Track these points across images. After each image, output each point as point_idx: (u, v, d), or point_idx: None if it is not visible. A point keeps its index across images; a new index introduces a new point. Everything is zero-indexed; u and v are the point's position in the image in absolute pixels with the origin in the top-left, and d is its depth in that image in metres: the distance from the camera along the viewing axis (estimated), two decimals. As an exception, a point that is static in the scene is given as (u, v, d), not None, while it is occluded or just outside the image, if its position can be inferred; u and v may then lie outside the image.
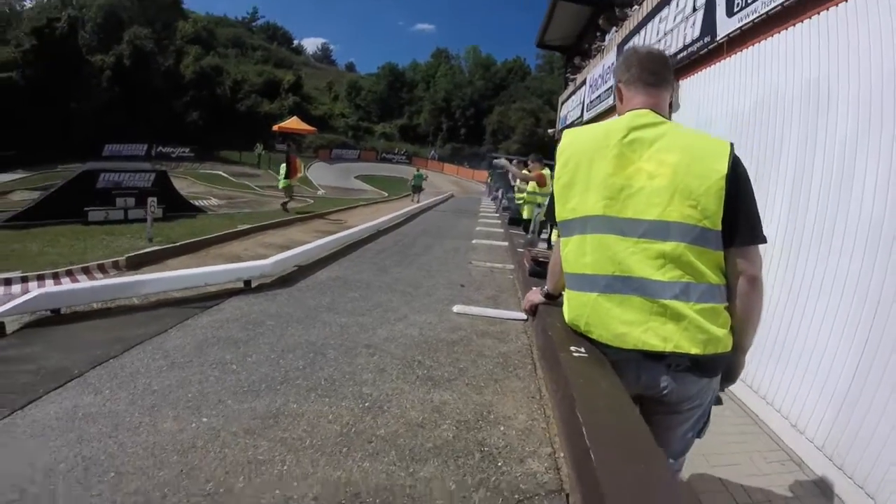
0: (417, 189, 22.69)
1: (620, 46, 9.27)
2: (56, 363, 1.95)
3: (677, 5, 6.59)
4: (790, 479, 3.04)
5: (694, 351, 1.57)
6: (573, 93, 14.34)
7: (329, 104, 56.09)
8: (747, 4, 4.81)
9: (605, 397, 1.45)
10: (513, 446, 1.43)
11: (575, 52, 15.04)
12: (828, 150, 3.51)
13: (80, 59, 37.86)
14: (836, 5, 3.59)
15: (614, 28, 10.48)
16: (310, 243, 4.64)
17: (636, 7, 9.14)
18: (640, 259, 1.60)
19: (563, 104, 15.78)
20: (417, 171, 27.15)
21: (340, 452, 1.34)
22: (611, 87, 9.93)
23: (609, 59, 10.09)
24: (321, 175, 35.17)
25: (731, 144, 1.62)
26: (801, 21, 3.99)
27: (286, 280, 3.58)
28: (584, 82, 12.76)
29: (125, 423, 1.51)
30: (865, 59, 3.23)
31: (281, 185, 17.22)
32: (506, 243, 5.73)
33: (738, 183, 1.56)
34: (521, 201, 9.97)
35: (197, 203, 19.20)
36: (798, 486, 3.02)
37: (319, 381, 1.81)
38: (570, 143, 1.77)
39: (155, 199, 12.77)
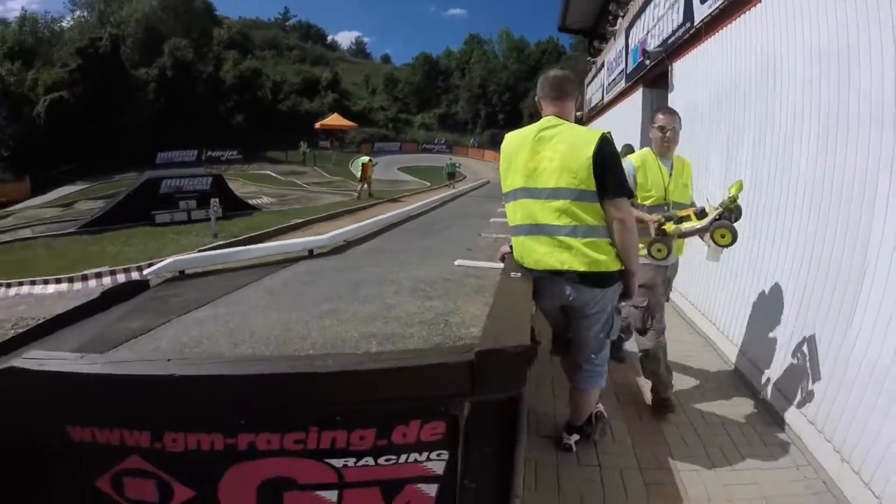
0: (451, 176, 24.17)
1: (627, 31, 9.80)
2: (194, 297, 3.05)
3: None
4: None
5: (581, 269, 2.59)
6: (594, 76, 14.90)
7: (367, 98, 57.36)
8: None
9: (515, 296, 2.47)
10: (465, 323, 2.32)
11: (594, 35, 15.46)
12: (779, 124, 4.05)
13: (125, 73, 40.59)
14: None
15: (621, 13, 11.04)
16: (354, 225, 5.80)
17: None
18: (545, 213, 2.63)
19: (587, 86, 16.37)
20: (450, 159, 28.65)
21: (369, 323, 2.41)
22: (622, 70, 10.61)
23: (620, 42, 10.64)
24: (365, 170, 36.60)
25: (603, 134, 2.61)
26: (754, 6, 4.55)
27: (337, 249, 4.71)
28: (602, 65, 13.36)
29: (250, 317, 2.62)
30: (802, 40, 3.71)
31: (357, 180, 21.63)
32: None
33: (602, 158, 2.53)
34: None
35: (251, 202, 20.86)
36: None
37: (358, 296, 2.88)
38: (506, 142, 2.84)
39: (217, 199, 14.31)
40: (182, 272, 3.64)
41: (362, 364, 1.76)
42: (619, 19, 11.10)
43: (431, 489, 1.92)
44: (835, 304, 3.07)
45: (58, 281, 9.76)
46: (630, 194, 2.74)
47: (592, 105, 15.09)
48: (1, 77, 37.85)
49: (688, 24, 6.32)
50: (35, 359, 1.90)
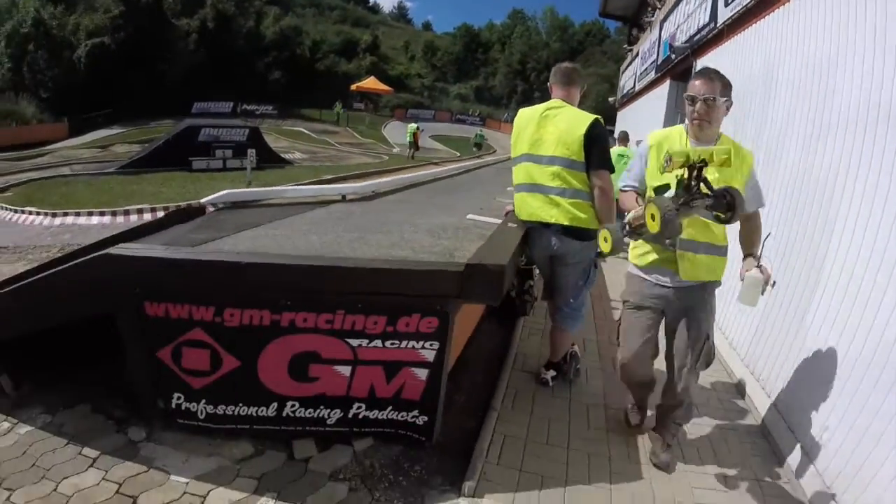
0: (479, 146, 25.05)
1: (662, 23, 9.93)
2: (245, 221, 3.62)
3: None
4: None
5: (564, 222, 3.13)
6: (629, 64, 15.01)
7: (405, 64, 57.16)
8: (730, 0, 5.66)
9: (504, 237, 3.00)
10: (465, 257, 2.83)
11: (634, 23, 15.43)
12: (771, 123, 4.37)
13: (167, 23, 40.47)
14: (783, 5, 4.43)
15: (659, 4, 11.12)
16: (383, 178, 6.36)
17: None
18: (542, 175, 3.18)
19: (622, 74, 16.49)
20: (480, 131, 29.28)
21: (389, 248, 2.91)
22: (654, 61, 10.78)
23: (654, 33, 10.70)
24: (396, 134, 36.62)
25: (595, 117, 3.13)
26: (765, 17, 4.82)
27: (366, 198, 5.27)
28: (637, 54, 13.49)
29: (293, 237, 3.13)
30: (796, 50, 4.07)
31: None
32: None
33: (591, 137, 3.06)
34: None
35: (284, 156, 21.52)
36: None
37: (382, 231, 3.44)
38: (519, 116, 3.39)
39: (254, 150, 14.92)
40: (234, 203, 4.23)
41: (380, 264, 2.32)
42: (657, 10, 11.16)
43: (423, 373, 2.50)
44: (796, 295, 3.35)
45: (101, 213, 10.35)
46: (611, 169, 3.20)
47: (625, 92, 15.23)
48: (43, 20, 38.02)
49: (712, 24, 6.51)
50: (127, 247, 2.50)
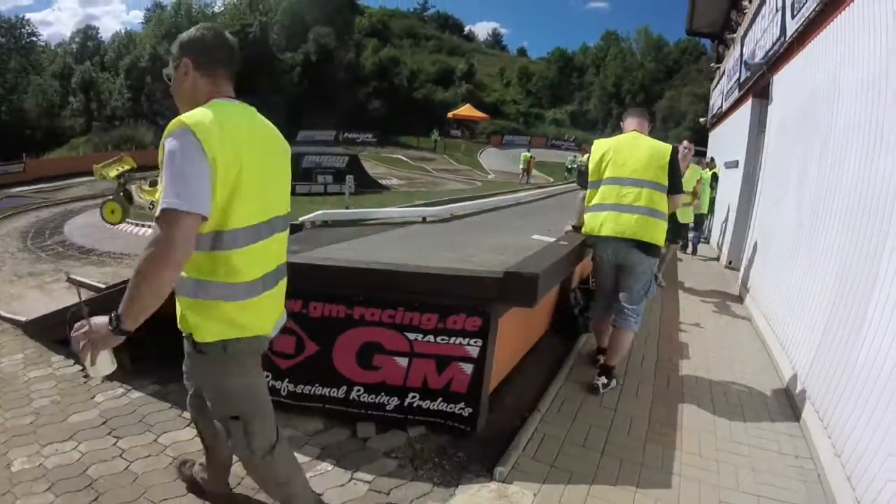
0: (570, 171, 25.92)
1: (742, 39, 9.73)
2: (335, 237, 4.21)
3: (768, 4, 7.28)
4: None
5: (645, 238, 3.62)
6: (717, 82, 14.69)
7: (501, 91, 58.00)
8: (798, 10, 5.56)
9: (549, 251, 3.37)
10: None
11: (720, 40, 15.05)
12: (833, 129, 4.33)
13: (272, 57, 43.80)
14: (843, 11, 4.34)
15: (741, 20, 10.85)
16: (462, 203, 6.84)
17: (747, 3, 9.63)
18: (628, 196, 3.70)
19: (712, 92, 16.13)
20: (574, 156, 29.88)
21: (454, 262, 3.41)
22: (737, 79, 10.48)
23: (737, 50, 10.43)
24: (492, 161, 37.26)
25: (673, 146, 3.70)
26: (828, 25, 4.74)
27: (445, 220, 5.78)
28: (724, 72, 13.20)
29: (372, 251, 3.71)
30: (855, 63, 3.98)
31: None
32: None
33: (672, 164, 3.57)
34: None
35: (381, 182, 22.62)
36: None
37: (451, 248, 3.92)
38: (598, 146, 3.93)
39: (352, 176, 15.93)
40: (326, 222, 4.85)
41: (435, 270, 2.77)
42: (739, 26, 10.92)
43: (468, 368, 2.90)
44: (853, 310, 3.26)
45: None
46: (681, 191, 3.85)
47: (714, 112, 14.89)
48: (159, 56, 41.91)
49: (782, 38, 6.41)
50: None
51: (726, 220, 9.84)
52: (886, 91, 3.29)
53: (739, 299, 6.84)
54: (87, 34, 51.27)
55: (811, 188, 4.68)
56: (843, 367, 3.18)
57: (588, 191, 3.92)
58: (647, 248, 3.68)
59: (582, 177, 4.06)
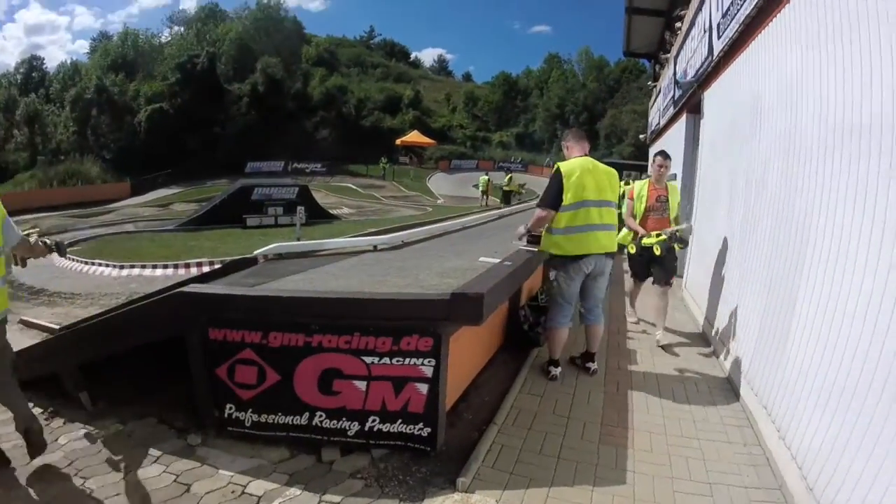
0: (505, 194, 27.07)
1: (675, 58, 10.22)
2: (289, 269, 4.30)
3: (697, 26, 7.69)
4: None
5: (613, 249, 4.25)
6: (654, 100, 15.42)
7: (448, 116, 58.54)
8: (723, 31, 5.90)
9: (492, 272, 3.61)
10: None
11: (656, 59, 15.63)
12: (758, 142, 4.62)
13: (220, 88, 43.90)
14: (761, 33, 4.68)
15: (674, 41, 11.37)
16: (411, 230, 7.03)
17: (679, 25, 10.15)
18: (606, 216, 4.35)
19: (650, 110, 16.89)
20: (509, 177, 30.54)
21: (403, 287, 3.58)
22: (671, 97, 10.91)
23: (670, 70, 10.93)
24: (441, 185, 37.87)
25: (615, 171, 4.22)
26: (749, 46, 5.07)
27: (396, 247, 5.96)
28: (660, 90, 13.87)
29: (327, 281, 3.86)
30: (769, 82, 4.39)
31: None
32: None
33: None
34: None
35: (332, 212, 22.70)
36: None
37: (401, 275, 4.08)
38: (568, 169, 4.24)
39: (303, 207, 15.97)
40: (280, 255, 4.96)
41: (387, 296, 2.95)
42: (672, 46, 11.43)
43: (424, 388, 3.07)
44: (783, 311, 3.58)
45: (165, 266, 11.30)
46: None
47: (653, 128, 15.54)
48: (105, 88, 41.78)
49: (710, 58, 6.80)
50: (197, 287, 3.22)
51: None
52: (802, 106, 3.60)
53: (684, 306, 7.21)
54: (32, 64, 50.30)
55: (740, 199, 5.05)
56: (779, 361, 3.50)
57: (561, 213, 4.21)
58: (612, 255, 4.41)
59: (549, 199, 4.27)
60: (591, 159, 4.34)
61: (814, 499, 2.66)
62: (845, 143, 2.83)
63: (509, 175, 28.87)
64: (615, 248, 4.44)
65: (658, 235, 5.39)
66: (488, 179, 28.35)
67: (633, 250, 5.77)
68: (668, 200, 5.58)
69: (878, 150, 2.47)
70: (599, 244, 4.23)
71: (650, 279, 5.77)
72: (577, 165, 4.23)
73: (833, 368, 2.69)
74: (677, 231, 5.43)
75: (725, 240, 5.50)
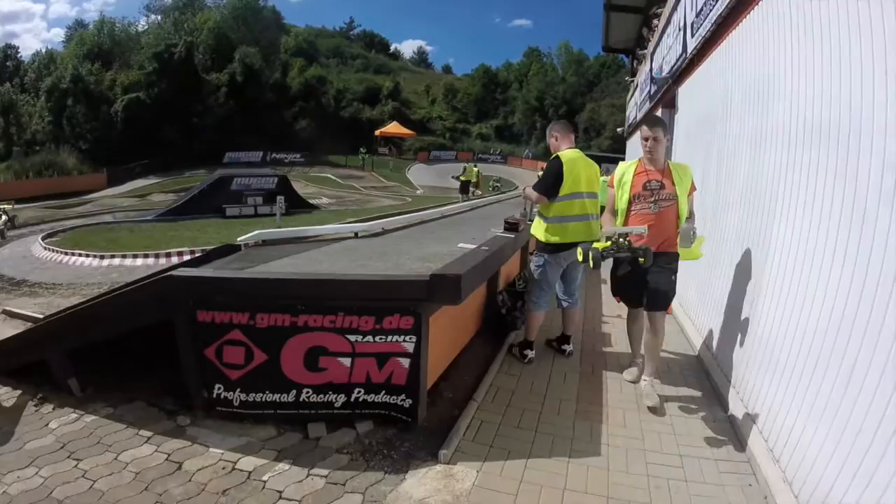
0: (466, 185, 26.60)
1: (651, 55, 10.45)
2: (273, 255, 4.38)
3: (672, 23, 7.88)
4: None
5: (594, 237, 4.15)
6: (632, 95, 15.69)
7: (427, 107, 58.86)
8: (697, 29, 6.11)
9: (471, 256, 3.76)
10: None
11: (634, 55, 15.98)
12: (727, 134, 4.95)
13: (198, 78, 43.30)
14: (729, 35, 4.97)
15: (651, 37, 11.63)
16: (392, 218, 7.15)
17: (656, 22, 10.39)
18: (593, 206, 4.49)
19: (628, 104, 17.17)
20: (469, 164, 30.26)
21: (384, 271, 3.71)
22: (648, 91, 11.32)
23: (647, 65, 11.18)
24: (420, 176, 37.99)
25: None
26: (719, 46, 5.35)
27: (376, 234, 6.05)
28: (637, 85, 14.12)
29: (311, 265, 3.93)
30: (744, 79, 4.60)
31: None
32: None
33: None
34: None
35: (312, 202, 22.67)
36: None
37: (382, 257, 4.20)
38: (565, 160, 4.34)
39: (283, 197, 15.98)
40: (263, 241, 5.05)
41: (370, 277, 3.09)
42: (650, 43, 11.66)
43: (406, 362, 3.22)
44: (750, 291, 3.84)
45: (145, 256, 11.24)
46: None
47: (630, 122, 15.83)
48: (81, 77, 40.87)
49: (684, 55, 7.02)
50: (185, 270, 3.32)
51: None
52: (768, 100, 3.84)
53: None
54: (7, 53, 49.23)
55: (711, 189, 5.28)
56: (746, 339, 3.73)
57: (556, 203, 4.36)
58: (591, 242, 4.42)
59: (546, 186, 4.41)
60: (579, 151, 4.48)
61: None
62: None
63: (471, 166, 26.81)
64: (595, 237, 4.31)
65: (608, 239, 3.68)
66: (478, 170, 26.01)
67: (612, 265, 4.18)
68: (664, 187, 3.83)
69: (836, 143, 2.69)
70: (589, 233, 4.34)
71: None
72: (576, 157, 4.40)
73: (797, 342, 2.89)
74: (641, 233, 3.63)
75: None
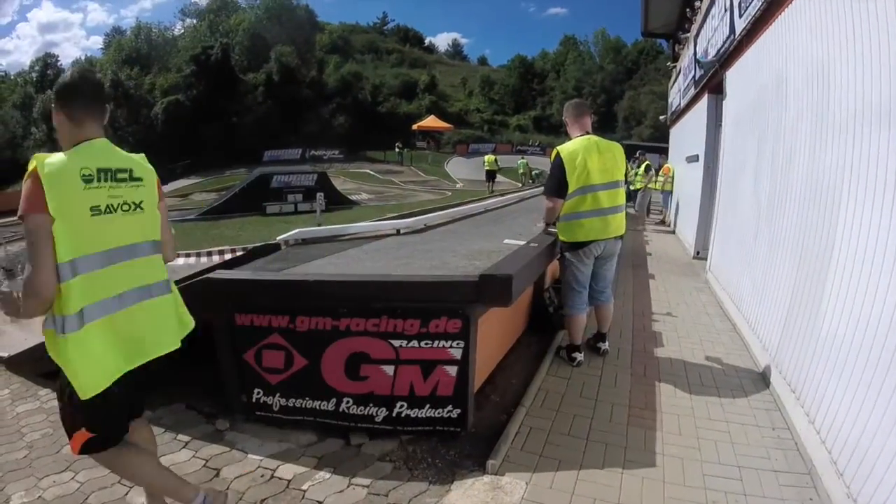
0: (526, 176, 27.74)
1: (695, 38, 10.04)
2: (313, 254, 4.29)
3: (717, 4, 7.53)
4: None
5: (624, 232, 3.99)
6: (674, 81, 15.13)
7: (464, 100, 58.41)
8: (745, 9, 5.78)
9: (520, 255, 3.55)
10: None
11: (675, 39, 15.42)
12: (786, 119, 4.52)
13: (235, 78, 44.02)
14: (780, 15, 4.66)
15: (695, 19, 11.17)
16: (434, 213, 6.99)
17: (698, 4, 9.93)
18: (616, 197, 4.22)
19: (670, 91, 16.60)
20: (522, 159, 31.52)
21: (429, 270, 3.53)
22: (692, 77, 10.82)
23: (690, 50, 10.75)
24: (459, 169, 37.70)
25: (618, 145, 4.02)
26: (772, 24, 4.98)
27: (419, 230, 5.90)
28: (679, 71, 13.62)
29: (351, 265, 3.81)
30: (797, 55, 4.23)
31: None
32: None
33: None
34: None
35: (351, 197, 22.73)
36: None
37: (426, 257, 4.05)
38: (570, 153, 4.05)
39: (322, 193, 16.01)
40: (303, 240, 4.95)
41: (414, 278, 2.91)
42: (693, 25, 11.22)
43: (453, 370, 3.03)
44: (813, 287, 3.49)
45: (187, 255, 11.25)
46: None
47: (673, 109, 15.30)
48: (121, 82, 41.91)
49: (732, 37, 6.68)
50: (222, 273, 3.21)
51: (691, 212, 10.17)
52: (829, 84, 3.49)
53: (708, 287, 7.10)
54: (47, 62, 50.46)
55: (767, 178, 4.92)
56: (808, 341, 3.41)
57: (567, 199, 4.07)
58: (621, 237, 4.28)
59: (553, 188, 4.13)
60: (593, 137, 4.10)
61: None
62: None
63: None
64: (624, 232, 4.26)
65: None
66: (526, 162, 28.12)
67: None
68: None
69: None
70: (609, 229, 4.10)
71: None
72: (580, 147, 4.02)
73: (865, 347, 2.61)
74: None
75: (751, 218, 5.36)
